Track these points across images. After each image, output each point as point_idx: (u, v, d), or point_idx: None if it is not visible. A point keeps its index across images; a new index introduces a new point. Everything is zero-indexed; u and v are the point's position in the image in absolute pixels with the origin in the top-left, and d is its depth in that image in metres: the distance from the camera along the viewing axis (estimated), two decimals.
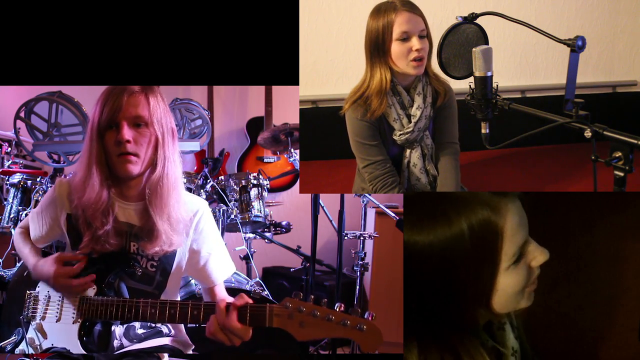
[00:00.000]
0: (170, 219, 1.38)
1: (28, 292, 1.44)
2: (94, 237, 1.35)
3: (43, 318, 1.40)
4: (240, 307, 1.21)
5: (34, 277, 1.43)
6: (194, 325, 1.99)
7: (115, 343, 1.39)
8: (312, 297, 1.16)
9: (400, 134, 1.72)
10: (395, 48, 1.62)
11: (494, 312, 1.02)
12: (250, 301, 1.23)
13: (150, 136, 1.37)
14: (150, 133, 1.37)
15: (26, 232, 1.56)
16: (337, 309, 1.14)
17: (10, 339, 1.42)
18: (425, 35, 1.63)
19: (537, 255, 1.00)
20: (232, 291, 1.96)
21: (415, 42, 1.61)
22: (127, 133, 1.33)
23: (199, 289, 2.16)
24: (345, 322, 1.13)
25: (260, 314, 1.19)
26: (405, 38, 1.61)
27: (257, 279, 2.46)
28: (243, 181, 2.62)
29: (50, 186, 2.26)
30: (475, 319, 1.04)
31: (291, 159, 2.70)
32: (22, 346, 1.39)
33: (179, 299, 1.55)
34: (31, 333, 1.38)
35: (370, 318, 1.14)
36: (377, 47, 1.65)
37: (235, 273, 2.43)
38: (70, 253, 1.41)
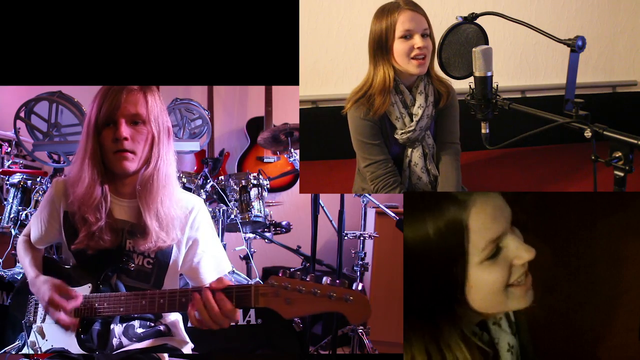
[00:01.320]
0: (159, 216, 1.38)
1: (30, 296, 1.45)
2: (88, 233, 1.36)
3: (43, 320, 1.41)
4: (226, 289, 1.19)
5: (31, 289, 1.43)
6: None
7: (115, 341, 1.39)
8: (298, 273, 1.13)
9: (402, 133, 1.72)
10: (398, 46, 1.63)
11: (473, 310, 1.01)
12: (229, 283, 1.21)
13: (147, 134, 1.38)
14: (147, 131, 1.38)
15: (28, 240, 1.55)
16: (324, 283, 1.11)
17: (14, 344, 1.43)
18: (428, 35, 1.64)
19: (521, 253, 0.98)
20: None
21: (417, 40, 1.62)
22: (125, 130, 1.34)
23: None
24: (331, 294, 1.09)
25: (246, 294, 1.17)
26: (407, 36, 1.62)
27: (257, 279, 2.47)
28: (243, 181, 2.62)
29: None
30: (455, 315, 1.03)
31: (291, 159, 2.70)
32: (25, 350, 1.40)
33: None
34: (32, 336, 1.39)
35: (358, 288, 1.10)
36: (381, 46, 1.66)
37: (235, 273, 2.43)
38: (68, 288, 1.35)
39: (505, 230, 0.98)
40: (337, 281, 1.11)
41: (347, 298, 1.09)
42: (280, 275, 1.14)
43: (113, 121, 1.35)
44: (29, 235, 1.56)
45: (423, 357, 1.00)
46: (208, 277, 1.49)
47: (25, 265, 1.48)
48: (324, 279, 1.12)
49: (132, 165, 1.37)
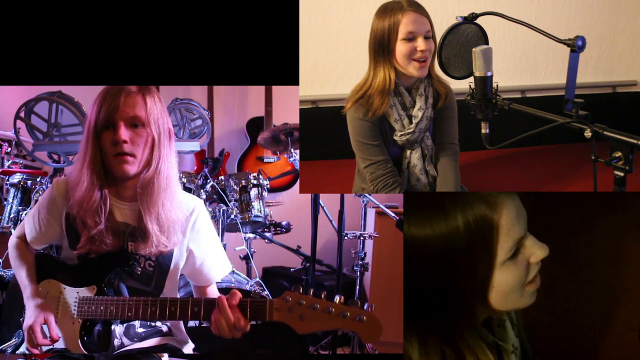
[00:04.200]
0: (160, 220, 1.37)
1: None
2: (89, 237, 1.35)
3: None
4: (241, 302, 1.22)
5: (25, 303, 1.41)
6: (194, 324, 1.99)
7: (116, 342, 1.39)
8: (312, 290, 1.18)
9: (401, 135, 1.72)
10: (400, 48, 1.62)
11: (492, 309, 1.02)
12: (240, 296, 1.24)
13: (147, 136, 1.37)
14: (147, 133, 1.37)
15: (22, 244, 1.51)
16: (337, 302, 1.16)
17: (11, 342, 1.42)
18: (431, 37, 1.63)
19: (536, 251, 0.99)
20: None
21: (420, 43, 1.61)
22: (124, 133, 1.34)
23: None
24: (345, 313, 1.15)
25: (261, 308, 1.20)
26: (410, 38, 1.61)
27: (257, 279, 2.47)
28: (243, 181, 2.62)
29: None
30: (473, 314, 1.03)
31: (291, 159, 2.70)
32: (23, 348, 1.38)
33: None
34: None
35: (369, 309, 1.15)
36: (382, 47, 1.65)
37: (235, 273, 2.43)
38: (54, 329, 1.35)
39: (525, 230, 1.00)
40: (349, 300, 1.17)
41: (361, 318, 1.15)
42: (293, 290, 1.18)
43: (112, 124, 1.34)
44: (21, 238, 1.52)
45: (424, 352, 1.00)
46: (213, 277, 1.50)
47: (22, 278, 1.44)
48: (336, 297, 1.17)
49: (132, 168, 1.36)
